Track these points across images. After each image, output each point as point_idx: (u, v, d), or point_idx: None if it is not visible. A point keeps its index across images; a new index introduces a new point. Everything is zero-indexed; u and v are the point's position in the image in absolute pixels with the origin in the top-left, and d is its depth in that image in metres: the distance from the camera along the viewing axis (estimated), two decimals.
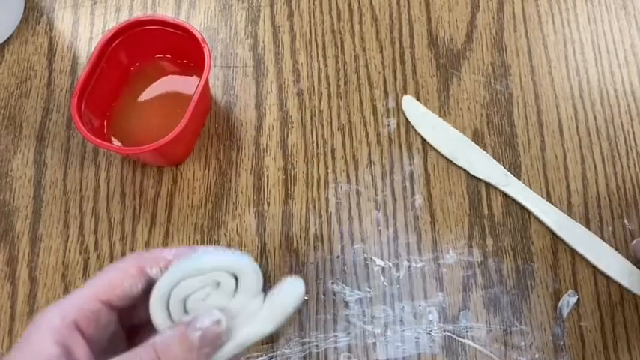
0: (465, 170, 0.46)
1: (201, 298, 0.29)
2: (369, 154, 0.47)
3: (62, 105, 0.49)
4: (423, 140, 0.47)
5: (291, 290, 0.30)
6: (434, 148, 0.46)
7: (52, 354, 0.26)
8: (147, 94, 0.47)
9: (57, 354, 0.26)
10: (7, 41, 0.51)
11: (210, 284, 0.29)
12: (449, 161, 0.46)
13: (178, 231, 0.45)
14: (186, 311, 0.29)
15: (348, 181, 0.46)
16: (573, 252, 0.44)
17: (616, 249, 0.44)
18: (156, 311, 0.29)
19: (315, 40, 0.50)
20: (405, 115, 0.47)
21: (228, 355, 0.29)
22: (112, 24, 0.51)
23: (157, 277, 0.29)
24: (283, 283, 0.30)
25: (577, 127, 0.47)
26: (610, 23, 0.50)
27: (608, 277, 0.43)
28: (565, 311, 0.42)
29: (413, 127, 0.47)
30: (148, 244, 0.44)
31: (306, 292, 0.43)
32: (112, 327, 0.30)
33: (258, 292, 0.30)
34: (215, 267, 0.29)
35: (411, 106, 0.47)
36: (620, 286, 0.43)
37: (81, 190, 0.46)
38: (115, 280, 0.29)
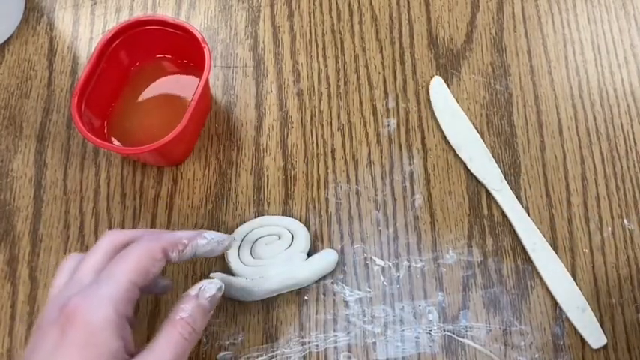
0: (464, 167, 0.46)
1: (265, 243, 0.43)
2: (369, 154, 0.47)
3: (62, 105, 0.49)
4: (423, 138, 0.47)
5: (326, 256, 0.43)
6: (442, 133, 0.47)
7: (117, 349, 0.29)
8: (147, 94, 0.47)
9: (120, 347, 0.29)
10: (8, 41, 0.51)
11: (274, 235, 0.43)
12: (448, 158, 0.46)
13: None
14: (251, 253, 0.42)
15: (348, 181, 0.46)
16: (572, 252, 0.44)
17: (616, 248, 0.44)
18: (231, 253, 0.42)
19: (315, 40, 0.50)
20: (429, 94, 0.48)
21: (274, 289, 0.41)
22: (113, 24, 0.51)
23: (175, 260, 0.34)
24: (322, 251, 0.43)
25: (577, 127, 0.47)
26: (610, 23, 0.50)
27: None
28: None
29: (432, 107, 0.47)
30: None
31: (309, 290, 0.43)
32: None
33: (305, 251, 0.43)
34: (279, 224, 0.43)
35: (439, 87, 0.48)
36: (619, 287, 0.43)
37: (81, 190, 0.46)
38: (147, 266, 0.32)
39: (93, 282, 0.31)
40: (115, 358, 0.29)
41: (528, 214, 0.45)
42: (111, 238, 0.34)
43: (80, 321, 0.29)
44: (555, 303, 0.42)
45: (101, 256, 0.33)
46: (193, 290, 0.34)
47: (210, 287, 0.34)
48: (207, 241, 0.36)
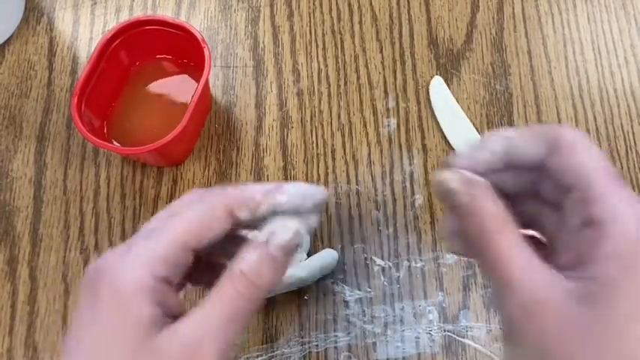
0: None
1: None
2: (369, 154, 0.47)
3: (62, 105, 0.49)
4: (423, 138, 0.47)
5: (326, 256, 0.42)
6: (442, 133, 0.47)
7: (150, 316, 0.24)
8: (147, 94, 0.47)
9: (157, 314, 0.25)
10: (8, 41, 0.51)
11: None
12: (449, 153, 0.46)
13: None
14: None
15: (348, 181, 0.46)
16: None
17: None
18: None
19: (315, 40, 0.50)
20: (429, 94, 0.48)
21: (274, 289, 0.34)
22: (112, 24, 0.51)
23: (246, 221, 0.27)
24: (322, 251, 0.43)
25: (577, 128, 0.47)
26: (610, 23, 0.50)
27: None
28: None
29: (432, 107, 0.47)
30: None
31: (308, 290, 0.43)
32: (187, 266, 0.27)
33: (305, 251, 0.42)
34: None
35: (439, 87, 0.48)
36: None
37: (81, 190, 0.46)
38: (204, 225, 0.26)
39: (138, 238, 0.27)
40: (149, 326, 0.24)
41: None
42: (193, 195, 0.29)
43: (107, 283, 0.25)
44: None
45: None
46: (262, 235, 0.27)
47: (282, 232, 0.27)
48: (287, 198, 0.28)
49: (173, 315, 0.25)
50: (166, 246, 0.25)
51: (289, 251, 0.27)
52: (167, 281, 0.25)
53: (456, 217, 0.26)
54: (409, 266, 0.44)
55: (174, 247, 0.25)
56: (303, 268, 0.42)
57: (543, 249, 0.25)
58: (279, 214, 0.28)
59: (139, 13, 0.52)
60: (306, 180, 0.46)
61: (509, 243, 0.23)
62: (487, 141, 0.26)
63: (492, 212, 0.24)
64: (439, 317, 0.42)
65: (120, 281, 0.24)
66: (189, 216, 0.26)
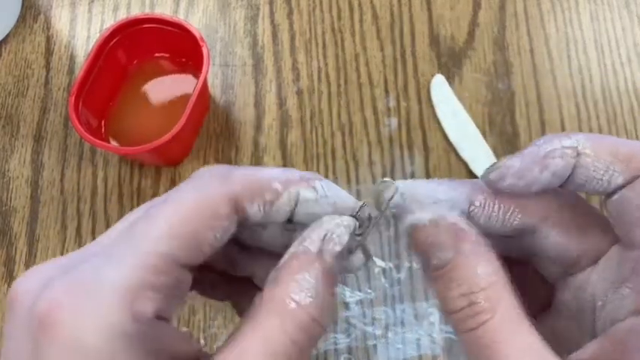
0: (466, 167, 0.45)
1: None
2: (370, 154, 0.46)
3: (59, 104, 0.48)
4: (424, 138, 0.46)
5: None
6: (443, 133, 0.46)
7: None
8: (145, 93, 0.47)
9: None
10: (4, 40, 0.50)
11: None
12: (450, 158, 0.46)
13: None
14: None
15: (349, 181, 0.46)
16: None
17: None
18: None
19: (315, 38, 0.50)
20: (430, 93, 0.47)
21: None
22: (110, 22, 0.51)
23: (257, 219, 0.19)
24: None
25: (580, 127, 0.47)
26: (613, 21, 0.50)
27: None
28: None
29: (433, 106, 0.47)
30: None
31: None
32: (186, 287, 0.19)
33: None
34: None
35: (440, 86, 0.47)
36: None
37: (78, 190, 0.46)
38: (199, 228, 0.18)
39: (107, 247, 0.18)
40: None
41: None
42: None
43: (60, 335, 0.15)
44: None
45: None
46: (313, 242, 0.19)
47: (341, 232, 0.19)
48: (315, 195, 0.20)
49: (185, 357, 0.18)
50: (142, 264, 0.17)
51: (345, 255, 0.19)
52: (159, 317, 0.17)
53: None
54: (410, 267, 0.43)
55: (153, 263, 0.17)
56: None
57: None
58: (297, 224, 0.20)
59: (136, 11, 0.51)
60: None
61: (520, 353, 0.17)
62: (544, 151, 0.18)
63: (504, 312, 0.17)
64: (440, 319, 0.42)
65: (79, 332, 0.15)
66: (175, 210, 0.18)
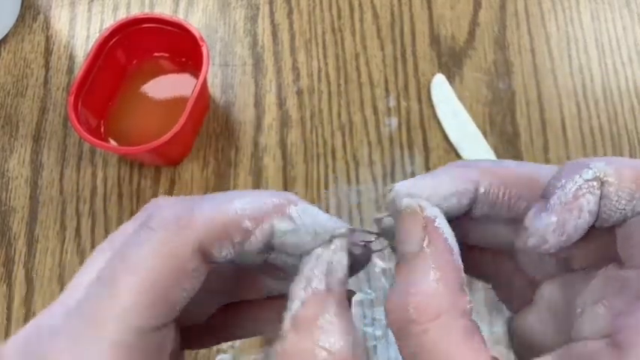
0: None
1: None
2: (370, 154, 0.46)
3: (59, 104, 0.48)
4: (425, 138, 0.46)
5: None
6: (444, 133, 0.46)
7: None
8: (144, 93, 0.46)
9: None
10: (4, 39, 0.50)
11: None
12: (450, 158, 0.46)
13: None
14: None
15: (349, 181, 0.45)
16: None
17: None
18: None
19: (315, 38, 0.50)
20: (430, 93, 0.47)
21: None
22: (110, 22, 0.51)
23: (226, 259, 0.17)
24: None
25: (580, 127, 0.47)
26: (614, 21, 0.50)
27: None
28: None
29: (433, 106, 0.47)
30: None
31: None
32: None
33: None
34: None
35: (441, 86, 0.47)
36: None
37: (77, 190, 0.46)
38: (170, 292, 0.16)
39: (74, 319, 0.16)
40: None
41: None
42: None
43: None
44: None
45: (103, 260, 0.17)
46: (320, 281, 0.17)
47: (341, 257, 0.18)
48: (292, 225, 0.18)
49: None
50: (119, 347, 0.15)
51: (346, 278, 0.18)
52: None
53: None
54: None
55: (132, 344, 0.16)
56: None
57: None
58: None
59: (136, 11, 0.51)
60: (306, 180, 0.46)
61: None
62: (571, 192, 0.16)
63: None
64: None
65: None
66: (141, 281, 0.16)
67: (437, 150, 0.46)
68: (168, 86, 0.47)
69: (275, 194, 0.18)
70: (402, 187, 0.19)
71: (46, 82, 0.49)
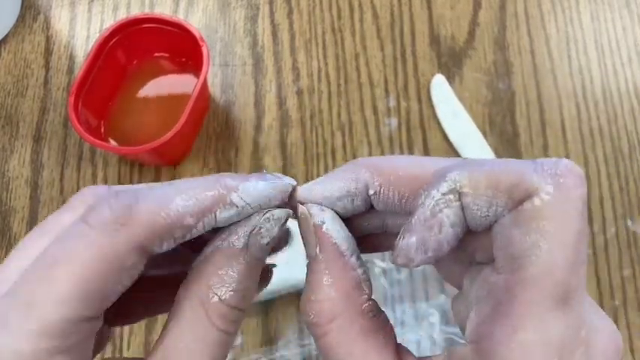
0: None
1: None
2: (370, 154, 0.46)
3: (59, 104, 0.48)
4: (424, 138, 0.46)
5: None
6: (444, 133, 0.46)
7: None
8: (144, 93, 0.46)
9: None
10: (4, 39, 0.50)
11: None
12: (450, 153, 0.46)
13: None
14: None
15: None
16: None
17: (619, 249, 0.43)
18: None
19: (315, 38, 0.50)
20: (430, 93, 0.47)
21: (273, 290, 0.38)
22: (110, 22, 0.51)
23: (167, 250, 0.18)
24: None
25: (580, 127, 0.47)
26: (613, 22, 0.50)
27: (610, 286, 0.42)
28: None
29: (433, 106, 0.47)
30: None
31: None
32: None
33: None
34: None
35: (440, 86, 0.47)
36: (623, 289, 0.42)
37: (78, 190, 0.45)
38: (107, 286, 0.16)
39: (3, 307, 0.16)
40: None
41: None
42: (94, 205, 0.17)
43: None
44: None
45: (43, 247, 0.17)
46: (239, 238, 0.18)
47: (271, 227, 0.18)
48: (236, 211, 0.18)
49: None
50: (52, 335, 0.16)
51: (269, 248, 0.19)
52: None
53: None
54: None
55: (65, 331, 0.16)
56: (303, 269, 0.41)
57: None
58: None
59: (136, 11, 0.51)
60: (306, 180, 0.45)
61: None
62: (429, 210, 0.17)
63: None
64: (441, 320, 0.42)
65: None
66: (78, 273, 0.16)
67: (437, 150, 0.46)
68: (168, 86, 0.47)
69: (215, 183, 0.18)
70: (301, 191, 0.19)
71: (46, 82, 0.49)
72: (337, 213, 0.19)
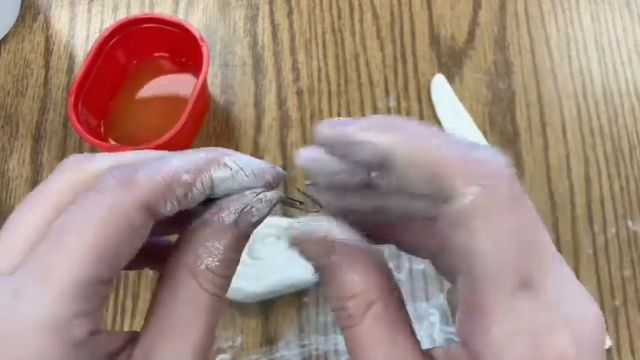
0: None
1: (264, 243, 0.41)
2: None
3: (59, 104, 0.48)
4: None
5: None
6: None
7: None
8: (144, 93, 0.46)
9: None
10: (4, 39, 0.50)
11: (273, 235, 0.41)
12: None
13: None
14: (249, 253, 0.40)
15: None
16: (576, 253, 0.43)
17: (620, 249, 0.43)
18: None
19: (315, 38, 0.50)
20: (430, 93, 0.47)
21: (273, 290, 0.38)
22: (109, 22, 0.51)
23: (172, 212, 0.18)
24: None
25: (580, 127, 0.47)
26: (614, 22, 0.50)
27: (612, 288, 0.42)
28: None
29: (433, 106, 0.47)
30: None
31: (308, 293, 0.42)
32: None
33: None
34: (279, 224, 0.41)
35: (441, 86, 0.47)
36: (623, 288, 0.42)
37: None
38: (116, 243, 0.17)
39: (16, 278, 0.17)
40: None
41: None
42: (71, 175, 0.19)
43: None
44: None
45: (42, 216, 0.18)
46: (229, 214, 0.19)
47: (262, 207, 0.19)
48: (230, 173, 0.19)
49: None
50: (75, 298, 0.16)
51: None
52: (93, 332, 0.17)
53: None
54: (410, 268, 0.43)
55: (86, 294, 0.16)
56: (303, 269, 0.41)
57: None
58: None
59: (136, 11, 0.51)
60: (306, 180, 0.46)
61: None
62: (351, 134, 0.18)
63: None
64: (441, 319, 0.42)
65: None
66: (92, 237, 0.17)
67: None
68: (168, 86, 0.47)
69: (210, 150, 0.19)
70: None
71: (46, 82, 0.49)
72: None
